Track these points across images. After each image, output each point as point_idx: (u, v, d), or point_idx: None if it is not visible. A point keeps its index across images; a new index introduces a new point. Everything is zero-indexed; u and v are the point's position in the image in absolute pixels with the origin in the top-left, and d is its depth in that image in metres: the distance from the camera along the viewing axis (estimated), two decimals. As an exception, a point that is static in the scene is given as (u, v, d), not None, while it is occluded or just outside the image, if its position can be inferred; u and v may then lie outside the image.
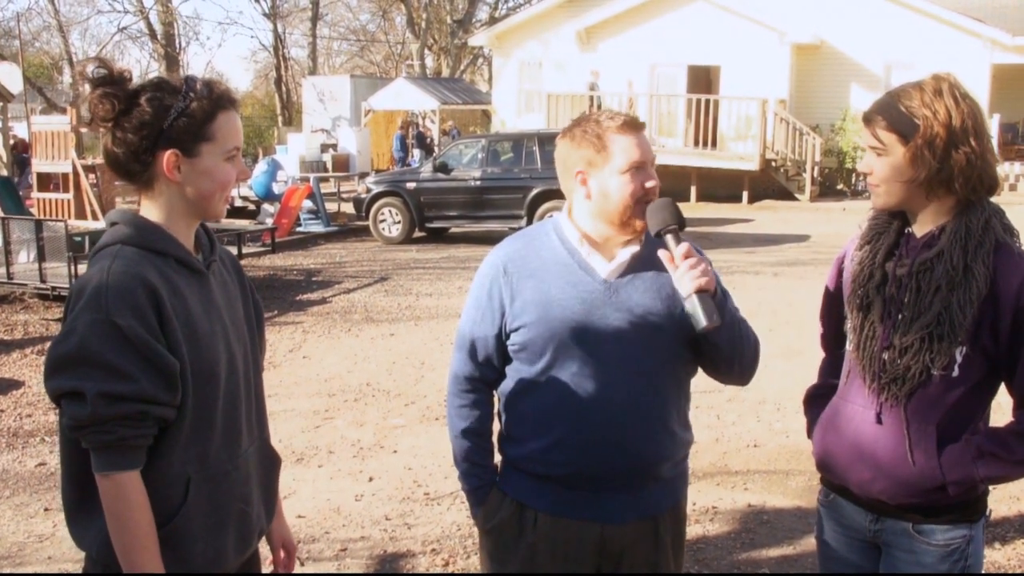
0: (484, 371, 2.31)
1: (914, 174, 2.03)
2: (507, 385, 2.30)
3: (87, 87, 1.84)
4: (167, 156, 1.84)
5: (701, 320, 2.01)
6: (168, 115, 1.83)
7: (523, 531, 2.27)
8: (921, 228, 2.12)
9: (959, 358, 2.05)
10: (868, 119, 2.09)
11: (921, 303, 2.05)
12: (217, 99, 1.87)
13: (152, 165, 1.86)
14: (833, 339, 2.37)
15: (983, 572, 3.93)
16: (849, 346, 2.23)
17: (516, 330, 2.22)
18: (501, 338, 2.26)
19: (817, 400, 2.40)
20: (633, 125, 2.17)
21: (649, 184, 2.16)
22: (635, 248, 2.21)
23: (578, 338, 2.17)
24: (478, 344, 2.29)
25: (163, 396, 1.76)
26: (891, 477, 2.13)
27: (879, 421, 2.14)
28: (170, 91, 1.85)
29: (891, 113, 2.05)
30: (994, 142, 19.44)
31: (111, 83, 1.83)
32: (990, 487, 2.19)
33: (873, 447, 2.15)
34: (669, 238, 2.09)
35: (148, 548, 1.77)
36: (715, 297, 2.06)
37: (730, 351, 2.20)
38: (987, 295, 2.01)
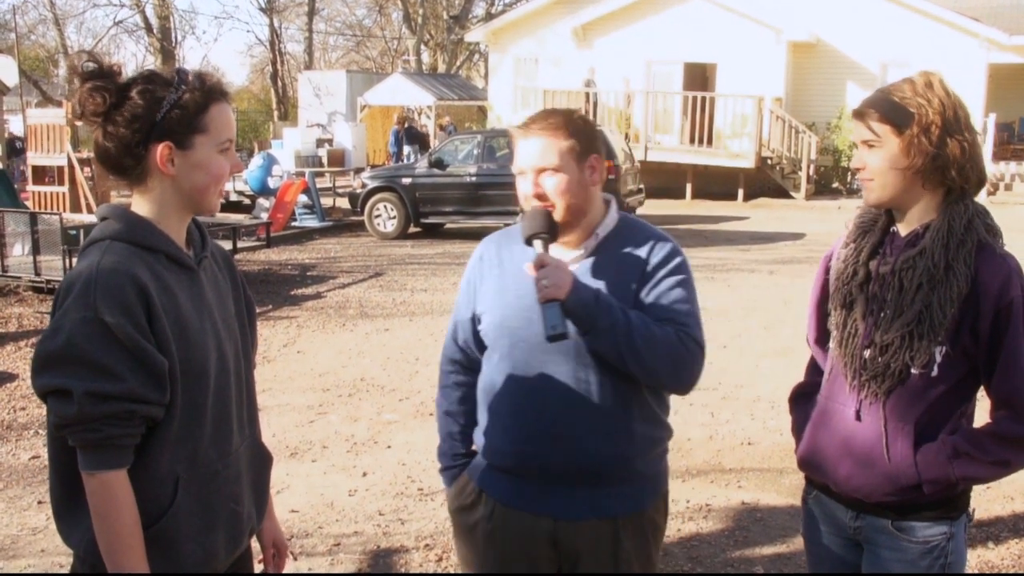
0: (464, 355, 2.42)
1: (909, 162, 2.03)
2: (480, 373, 2.38)
3: (77, 81, 1.81)
4: (160, 149, 1.82)
5: (544, 328, 2.04)
6: (161, 107, 1.80)
7: (481, 518, 2.33)
8: (906, 227, 2.13)
9: (939, 357, 2.06)
10: (860, 113, 2.10)
11: (903, 301, 2.07)
12: (209, 90, 1.85)
13: (145, 159, 1.83)
14: (820, 337, 2.38)
15: (978, 572, 3.94)
16: (832, 343, 2.24)
17: (479, 318, 2.33)
18: (475, 323, 2.36)
19: (802, 398, 2.42)
20: (524, 129, 2.23)
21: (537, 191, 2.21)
22: (593, 242, 2.25)
23: (527, 327, 2.19)
24: (459, 327, 2.42)
25: (151, 395, 1.74)
26: (868, 474, 2.13)
27: (858, 418, 2.15)
28: (162, 83, 1.83)
29: (884, 105, 2.06)
30: (991, 141, 19.20)
31: (101, 76, 1.81)
32: (975, 486, 2.19)
33: (852, 444, 2.16)
34: (537, 244, 2.16)
35: (133, 548, 1.76)
36: (564, 306, 2.06)
37: (618, 359, 2.11)
38: (968, 295, 2.02)
